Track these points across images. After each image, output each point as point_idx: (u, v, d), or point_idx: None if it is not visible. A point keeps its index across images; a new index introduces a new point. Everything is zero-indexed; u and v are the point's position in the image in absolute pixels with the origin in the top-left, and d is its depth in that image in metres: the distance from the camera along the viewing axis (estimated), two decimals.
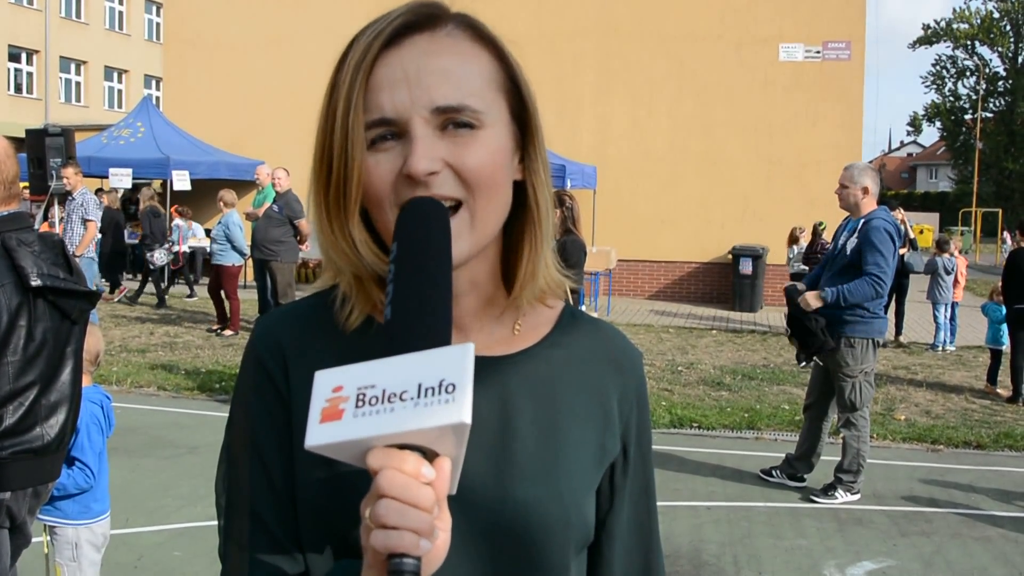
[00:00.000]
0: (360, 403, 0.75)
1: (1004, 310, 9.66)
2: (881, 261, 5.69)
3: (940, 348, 12.18)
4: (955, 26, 53.44)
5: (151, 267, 14.42)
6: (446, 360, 0.75)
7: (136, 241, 15.84)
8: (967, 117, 54.06)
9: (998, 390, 9.51)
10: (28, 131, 10.16)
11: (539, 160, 1.01)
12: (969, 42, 53.53)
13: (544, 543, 0.98)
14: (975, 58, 53.65)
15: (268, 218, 10.68)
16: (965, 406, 8.95)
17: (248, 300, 12.31)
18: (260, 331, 1.05)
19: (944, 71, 56.17)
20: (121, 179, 15.14)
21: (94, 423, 3.31)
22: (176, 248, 15.13)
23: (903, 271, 11.28)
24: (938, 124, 57.72)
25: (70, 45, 35.24)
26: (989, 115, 52.51)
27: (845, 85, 16.01)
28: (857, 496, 6.05)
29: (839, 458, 6.07)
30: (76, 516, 3.32)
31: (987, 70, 52.48)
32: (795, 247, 13.98)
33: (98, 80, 37.03)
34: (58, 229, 9.77)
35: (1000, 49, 52.38)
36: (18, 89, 33.80)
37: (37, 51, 34.08)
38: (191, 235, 16.58)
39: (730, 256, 15.98)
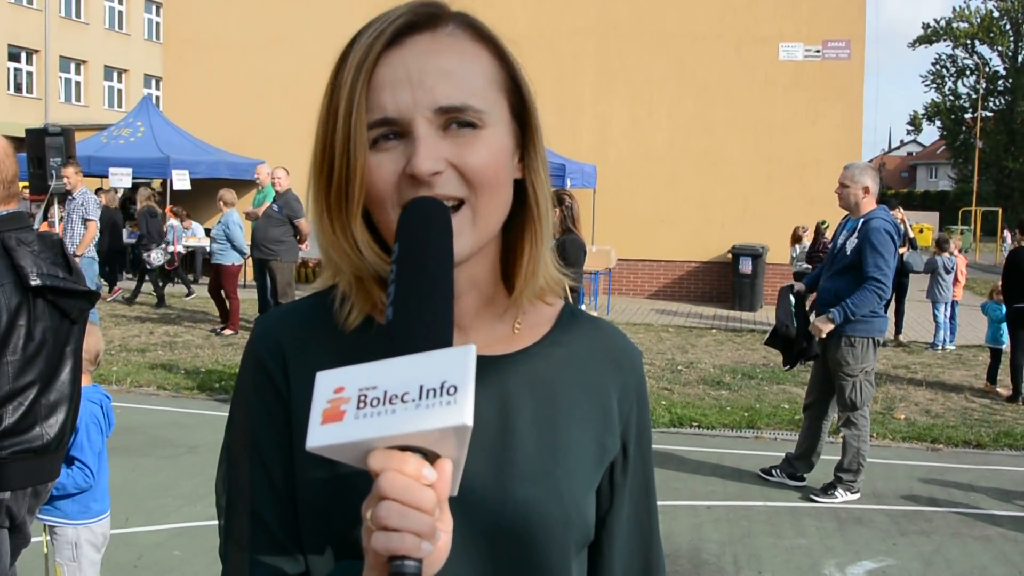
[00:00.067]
0: (361, 404, 0.75)
1: (1004, 309, 9.66)
2: (882, 264, 5.69)
3: (940, 347, 12.18)
4: (955, 25, 53.44)
5: (148, 267, 14.42)
6: (448, 361, 0.75)
7: (134, 241, 15.85)
8: (967, 116, 54.07)
9: (998, 389, 9.51)
10: (28, 131, 10.15)
11: (538, 159, 1.02)
12: (969, 41, 53.53)
13: (544, 543, 0.98)
14: (975, 57, 53.64)
15: (268, 217, 10.69)
16: (965, 405, 8.95)
17: (248, 299, 12.31)
18: (260, 331, 1.05)
19: (944, 70, 56.18)
20: (121, 179, 15.14)
21: (93, 423, 3.31)
22: (171, 248, 15.13)
23: (903, 270, 11.28)
24: (938, 123, 57.73)
25: (70, 45, 35.23)
26: (989, 114, 52.51)
27: (845, 84, 16.01)
28: (857, 495, 6.05)
29: (839, 457, 6.07)
30: (76, 516, 3.32)
31: (987, 69, 52.46)
32: (797, 246, 13.97)
33: (98, 80, 37.03)
34: (58, 229, 9.76)
35: (1000, 48, 52.38)
36: (18, 89, 33.79)
37: (37, 51, 34.08)
38: (190, 235, 16.59)
39: (730, 255, 15.99)
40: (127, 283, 15.92)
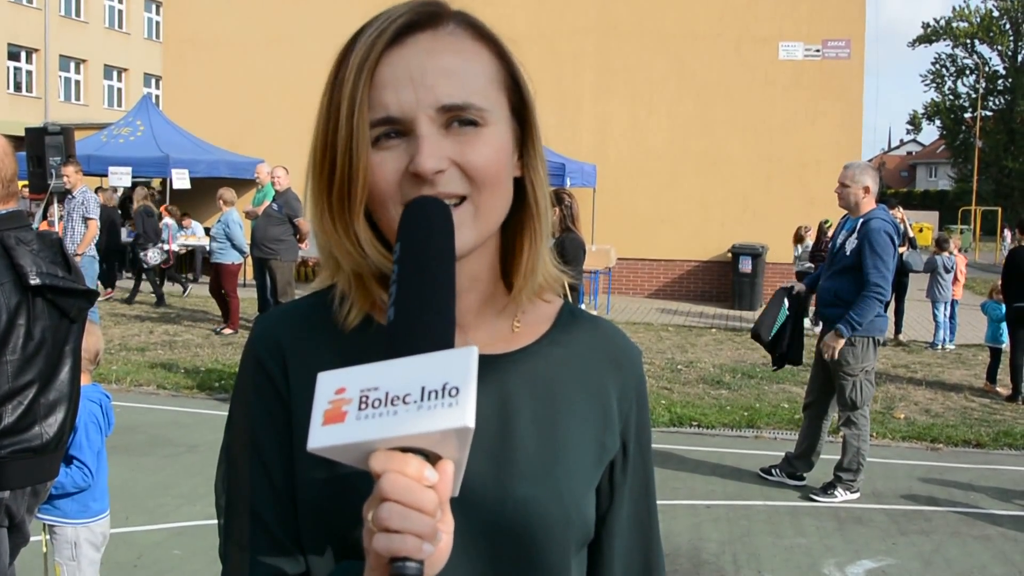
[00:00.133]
0: (363, 405, 0.75)
1: (1004, 308, 9.66)
2: (882, 268, 5.69)
3: (940, 346, 12.18)
4: (955, 24, 53.45)
5: (144, 266, 14.42)
6: (449, 363, 0.75)
7: (131, 240, 15.86)
8: (967, 115, 54.08)
9: (997, 388, 9.51)
10: (28, 129, 10.14)
11: (537, 157, 1.02)
12: (969, 40, 53.53)
13: (544, 542, 0.97)
14: (975, 56, 53.65)
15: (267, 216, 10.69)
16: (965, 404, 8.95)
17: (248, 299, 12.31)
18: (259, 331, 1.05)
19: (944, 69, 56.19)
20: (121, 178, 15.14)
21: (92, 422, 3.30)
22: (167, 247, 15.12)
23: (902, 269, 11.28)
24: (938, 122, 57.74)
25: (70, 44, 35.22)
26: (989, 113, 52.52)
27: (845, 84, 16.01)
28: (857, 495, 6.05)
29: (839, 457, 6.07)
30: (75, 515, 3.32)
31: (987, 68, 52.48)
32: (799, 246, 13.96)
33: (98, 79, 37.02)
34: (57, 228, 9.76)
35: (1000, 47, 52.38)
36: (18, 88, 33.78)
37: (37, 49, 34.06)
38: (190, 233, 16.58)
39: (730, 254, 15.99)
40: (125, 283, 15.91)
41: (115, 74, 38.15)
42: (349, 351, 0.92)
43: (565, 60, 16.42)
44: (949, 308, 12.28)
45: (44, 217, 10.28)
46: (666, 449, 7.01)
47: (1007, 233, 30.07)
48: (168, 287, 15.45)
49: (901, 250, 9.98)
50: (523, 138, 1.01)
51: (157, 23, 38.19)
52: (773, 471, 6.41)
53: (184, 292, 15.31)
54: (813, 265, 11.97)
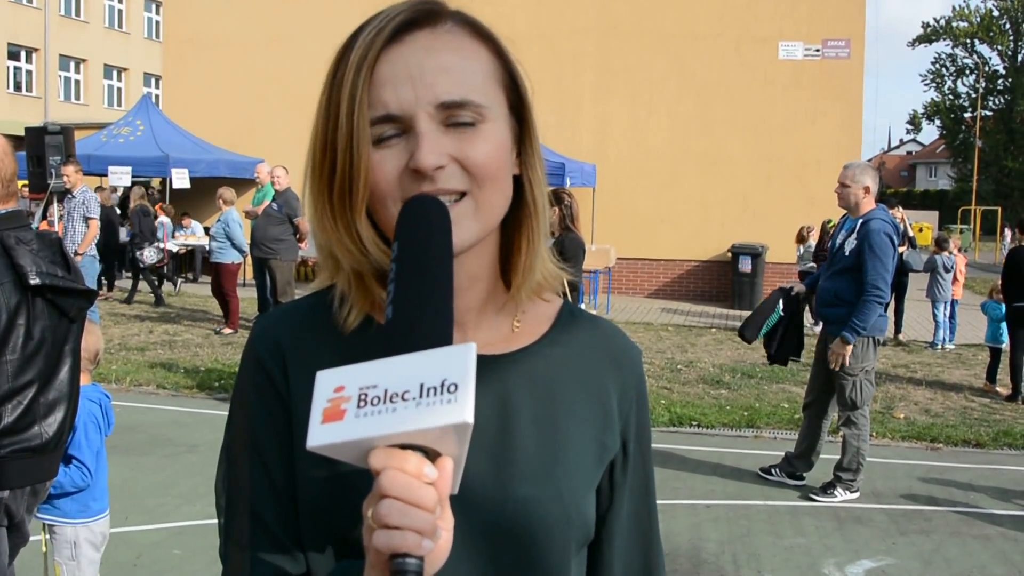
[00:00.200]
0: (362, 403, 0.75)
1: (1003, 308, 9.66)
2: (881, 270, 5.69)
3: (939, 346, 12.18)
4: (955, 24, 53.47)
5: (140, 265, 14.41)
6: (448, 360, 0.75)
7: (128, 240, 15.86)
8: (966, 115, 54.09)
9: (997, 388, 9.51)
10: (27, 129, 10.15)
11: (535, 155, 1.03)
12: (968, 40, 53.55)
13: (544, 542, 0.98)
14: (974, 56, 53.67)
15: (267, 216, 10.69)
16: (964, 404, 8.95)
17: (247, 298, 12.31)
18: (259, 331, 1.05)
19: (944, 69, 56.21)
20: (120, 177, 15.14)
21: (92, 421, 3.30)
22: (162, 246, 15.12)
23: (902, 269, 11.28)
24: (937, 122, 57.76)
25: (70, 43, 35.22)
26: (988, 113, 52.54)
27: (845, 83, 16.01)
28: (856, 494, 6.05)
29: (838, 456, 6.07)
30: (75, 515, 3.31)
31: (986, 68, 52.50)
32: (801, 247, 13.95)
33: (97, 78, 37.01)
34: (57, 227, 9.75)
35: (999, 47, 52.40)
36: (17, 87, 33.78)
37: (37, 49, 34.06)
38: (189, 233, 16.57)
39: (729, 254, 15.99)
40: (124, 283, 15.90)
41: (115, 74, 38.15)
42: (349, 351, 0.92)
43: (565, 60, 16.42)
44: (949, 308, 12.29)
45: (44, 217, 10.27)
46: (666, 449, 7.01)
47: (1008, 232, 30.07)
48: (167, 286, 15.45)
49: (901, 250, 9.98)
50: (521, 136, 1.02)
51: (157, 23, 38.19)
52: (773, 471, 6.41)
53: (175, 289, 15.29)
54: (816, 265, 11.96)
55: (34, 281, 2.60)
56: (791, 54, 16.17)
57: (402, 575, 0.72)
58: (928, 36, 54.66)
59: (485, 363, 0.99)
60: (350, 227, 0.96)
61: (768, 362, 6.59)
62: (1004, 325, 9.70)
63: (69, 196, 9.88)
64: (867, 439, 6.04)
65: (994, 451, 7.41)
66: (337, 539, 0.96)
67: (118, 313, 13.22)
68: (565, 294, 1.14)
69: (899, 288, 12.18)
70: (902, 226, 11.65)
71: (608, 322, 1.16)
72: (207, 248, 13.14)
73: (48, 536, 3.35)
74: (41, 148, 9.76)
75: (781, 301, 6.28)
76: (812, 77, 16.09)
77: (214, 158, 16.61)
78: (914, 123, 65.65)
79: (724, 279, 16.37)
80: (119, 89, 38.28)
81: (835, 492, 6.02)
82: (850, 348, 5.75)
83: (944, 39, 54.34)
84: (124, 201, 17.47)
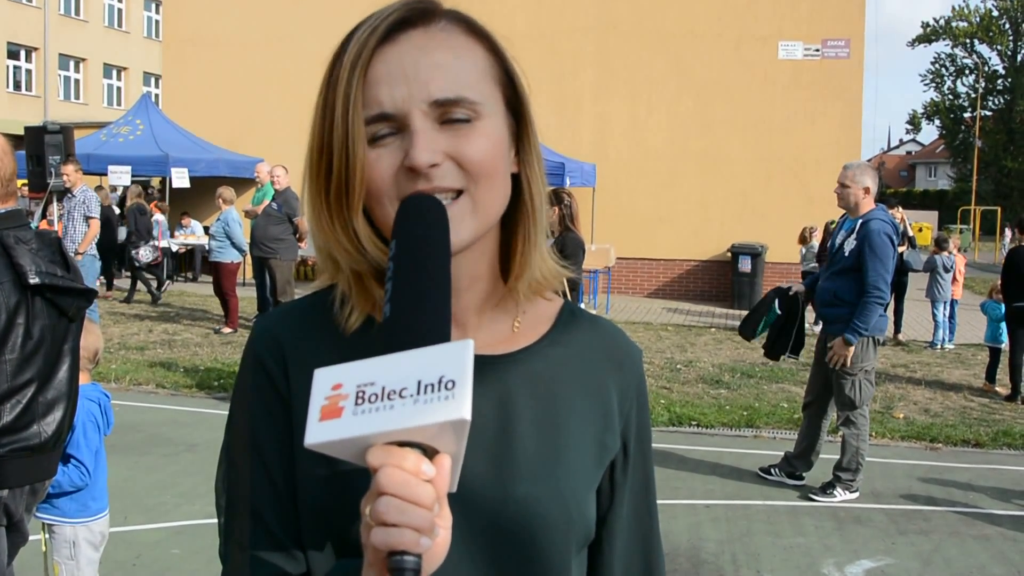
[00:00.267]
0: (360, 400, 0.75)
1: (1003, 308, 9.66)
2: (882, 271, 5.69)
3: (939, 346, 12.18)
4: (954, 24, 53.50)
5: (135, 264, 14.41)
6: (445, 356, 0.75)
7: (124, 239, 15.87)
8: (966, 115, 54.12)
9: (997, 388, 9.51)
10: (27, 128, 10.15)
11: (533, 152, 1.02)
12: (968, 40, 53.57)
13: (545, 542, 0.97)
14: (974, 56, 53.69)
15: (267, 216, 10.69)
16: (964, 404, 8.95)
17: (247, 298, 12.31)
18: (259, 330, 1.05)
19: (943, 69, 56.24)
20: (120, 177, 15.14)
21: (91, 421, 3.30)
22: (158, 244, 15.11)
23: (902, 269, 11.28)
24: (937, 122, 57.79)
25: (69, 42, 35.21)
26: (988, 113, 52.57)
27: (844, 83, 16.01)
28: (856, 494, 6.05)
29: (838, 456, 6.07)
30: (74, 514, 3.31)
31: (986, 68, 52.52)
32: (803, 247, 13.94)
33: (97, 77, 37.00)
34: (56, 227, 9.75)
35: (999, 47, 52.43)
36: (17, 86, 33.76)
37: (36, 48, 34.05)
38: (189, 232, 16.56)
39: (729, 254, 15.99)
40: (123, 282, 15.90)
41: (115, 73, 38.13)
42: (350, 351, 0.91)
43: (565, 59, 16.42)
44: (948, 308, 12.29)
45: (43, 216, 10.27)
46: (665, 449, 7.01)
47: (1007, 232, 30.07)
48: (167, 285, 15.44)
49: (901, 249, 9.98)
50: (519, 134, 1.02)
51: (157, 22, 38.19)
52: (772, 471, 6.41)
53: (160, 293, 15.14)
54: (819, 266, 11.95)
55: (33, 280, 2.60)
56: (791, 54, 16.17)
57: (400, 573, 0.72)
58: (928, 36, 54.68)
59: (486, 363, 0.99)
60: (347, 226, 0.96)
61: (764, 355, 6.62)
62: (1003, 325, 9.70)
63: (69, 195, 9.88)
64: (866, 439, 6.04)
65: (993, 451, 7.41)
66: (337, 538, 0.95)
67: (117, 312, 13.22)
68: (565, 294, 1.14)
69: (899, 288, 12.18)
70: (902, 226, 11.65)
71: (609, 322, 1.15)
72: (207, 247, 13.14)
73: (47, 535, 3.35)
74: (41, 147, 9.76)
75: (777, 300, 6.29)
76: (812, 77, 16.09)
77: (214, 157, 16.61)
78: (914, 123, 65.69)
79: (724, 279, 16.37)
80: (119, 88, 38.27)
81: (834, 492, 6.02)
82: (851, 349, 5.75)
83: (944, 39, 54.38)
84: (124, 200, 17.47)
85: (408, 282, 0.82)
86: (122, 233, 15.71)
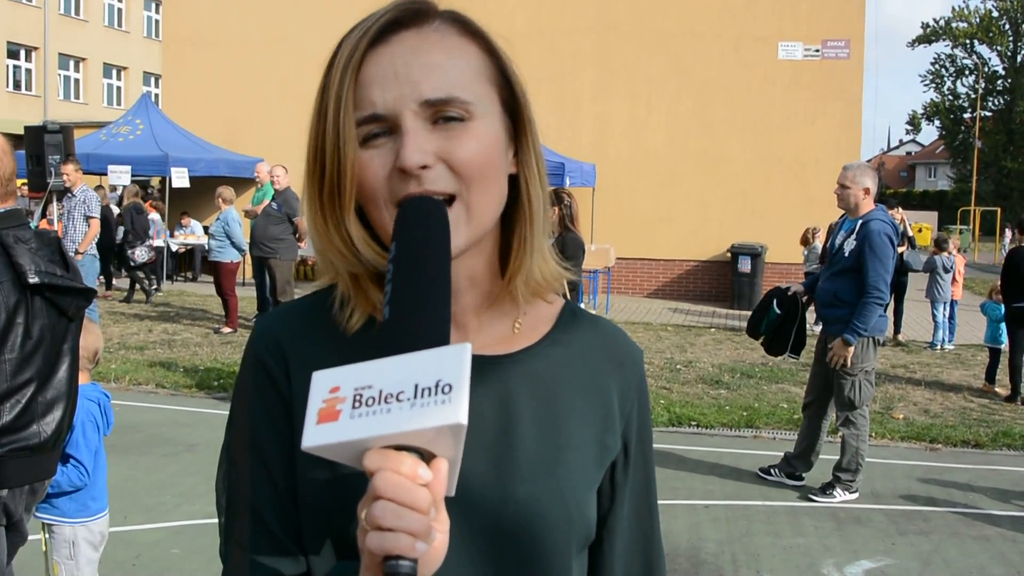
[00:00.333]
0: (357, 404, 0.75)
1: (1003, 309, 9.66)
2: (882, 271, 5.69)
3: (939, 347, 12.18)
4: (954, 25, 53.49)
5: (131, 263, 14.41)
6: (443, 360, 0.75)
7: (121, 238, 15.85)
8: (966, 116, 54.12)
9: (996, 389, 9.51)
10: (27, 128, 10.15)
11: (532, 153, 1.01)
12: (968, 41, 53.58)
13: (546, 542, 0.97)
14: (974, 57, 53.69)
15: (267, 215, 10.69)
16: (963, 405, 8.95)
17: (247, 298, 12.31)
18: (260, 330, 1.05)
19: (943, 70, 56.24)
20: (120, 176, 15.14)
21: (90, 420, 3.30)
22: (152, 243, 15.10)
23: (902, 269, 11.28)
24: (937, 123, 57.79)
25: (69, 42, 35.20)
26: (988, 114, 52.57)
27: (844, 83, 16.01)
28: (855, 495, 6.05)
29: (838, 457, 6.07)
30: (74, 514, 3.31)
31: (986, 69, 52.52)
32: (806, 249, 13.93)
33: (97, 77, 36.99)
34: (56, 226, 9.75)
35: (999, 48, 52.43)
36: (17, 86, 33.76)
37: (36, 48, 34.05)
38: (188, 232, 16.56)
39: (729, 254, 15.99)
40: (122, 281, 15.90)
41: (114, 72, 38.13)
42: (351, 351, 0.91)
43: (565, 59, 16.42)
44: (948, 308, 12.29)
45: (43, 215, 10.27)
46: (665, 449, 7.01)
47: (1007, 233, 30.07)
48: (167, 285, 15.42)
49: (901, 250, 9.98)
50: (517, 134, 1.01)
51: (156, 21, 38.18)
52: (772, 471, 6.41)
53: (151, 294, 15.06)
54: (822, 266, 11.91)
55: (33, 280, 2.60)
56: (790, 54, 16.17)
57: None
58: (928, 36, 54.68)
59: (486, 363, 0.99)
60: (340, 228, 0.96)
61: (764, 351, 6.60)
62: (1003, 326, 9.70)
63: (69, 195, 9.88)
64: (866, 439, 6.04)
65: (993, 452, 7.41)
66: (337, 539, 0.95)
67: (117, 312, 13.21)
68: (565, 294, 1.14)
69: (898, 288, 12.18)
70: (902, 227, 11.65)
71: (609, 322, 1.15)
72: (206, 247, 13.13)
73: (47, 535, 3.35)
74: (40, 147, 9.76)
75: (775, 300, 6.29)
76: (812, 77, 16.09)
77: (213, 157, 16.61)
78: (913, 123, 65.69)
79: (723, 279, 16.37)
80: (119, 88, 38.26)
81: (834, 492, 6.02)
82: (852, 350, 5.75)
83: (944, 40, 54.37)
84: (122, 200, 17.46)
85: (408, 284, 0.82)
86: (120, 233, 15.71)
